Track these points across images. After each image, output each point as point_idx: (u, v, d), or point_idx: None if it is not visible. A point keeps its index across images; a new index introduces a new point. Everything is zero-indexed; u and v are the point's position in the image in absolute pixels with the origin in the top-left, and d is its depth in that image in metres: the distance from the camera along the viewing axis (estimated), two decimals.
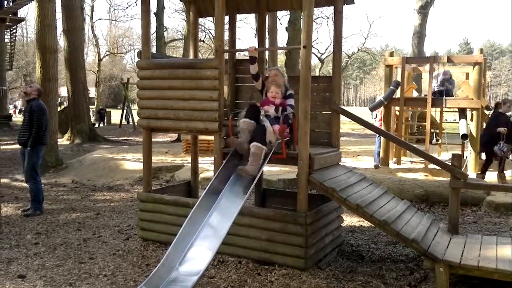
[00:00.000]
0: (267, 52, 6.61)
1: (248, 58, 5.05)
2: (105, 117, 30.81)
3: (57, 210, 7.09)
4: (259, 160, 4.37)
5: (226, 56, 5.63)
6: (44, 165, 9.68)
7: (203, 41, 35.70)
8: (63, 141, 17.23)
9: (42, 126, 6.75)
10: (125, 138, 21.03)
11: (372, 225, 5.76)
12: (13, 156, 13.03)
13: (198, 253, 3.78)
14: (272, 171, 8.84)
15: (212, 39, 32.02)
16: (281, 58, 29.51)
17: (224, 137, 4.90)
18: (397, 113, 11.10)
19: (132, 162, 11.06)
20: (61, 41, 18.75)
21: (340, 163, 5.33)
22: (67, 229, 6.00)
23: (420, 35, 22.29)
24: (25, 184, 7.88)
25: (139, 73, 5.37)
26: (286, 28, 19.75)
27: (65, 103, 25.13)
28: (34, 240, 5.49)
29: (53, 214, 6.83)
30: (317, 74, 37.54)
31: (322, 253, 4.75)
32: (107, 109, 35.73)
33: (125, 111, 28.01)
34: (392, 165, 10.49)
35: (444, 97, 10.10)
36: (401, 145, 6.78)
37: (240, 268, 4.53)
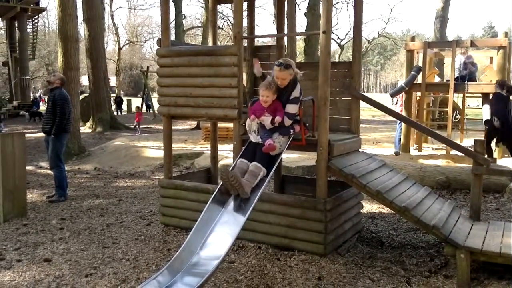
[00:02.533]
0: (285, 39, 6.52)
1: (266, 45, 5.04)
2: (122, 105, 31.21)
3: (81, 197, 7.26)
4: (254, 180, 4.06)
5: (245, 43, 5.62)
6: (67, 153, 9.88)
7: (222, 28, 35.63)
8: (85, 129, 17.52)
9: (65, 114, 6.87)
10: (145, 126, 21.25)
11: (392, 211, 5.74)
12: (37, 144, 13.33)
13: (219, 239, 3.82)
14: (291, 158, 8.84)
15: (231, 27, 31.92)
16: (300, 44, 29.24)
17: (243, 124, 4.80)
18: (418, 98, 10.93)
19: (153, 149, 11.20)
20: (82, 31, 18.95)
21: (360, 149, 5.29)
22: (91, 215, 6.14)
23: (442, 19, 21.76)
24: (49, 171, 8.08)
25: (159, 61, 5.41)
26: (305, 14, 19.54)
27: (86, 92, 25.47)
28: (59, 225, 5.64)
29: (77, 200, 6.99)
30: (336, 60, 37.10)
31: (341, 239, 4.76)
32: (127, 98, 36.14)
33: (144, 99, 28.25)
34: (413, 151, 10.37)
35: (467, 82, 9.89)
36: (422, 131, 6.68)
37: (259, 254, 4.57)
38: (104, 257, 4.54)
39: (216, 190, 4.15)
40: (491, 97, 9.12)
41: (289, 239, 4.63)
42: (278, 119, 4.21)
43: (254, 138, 4.37)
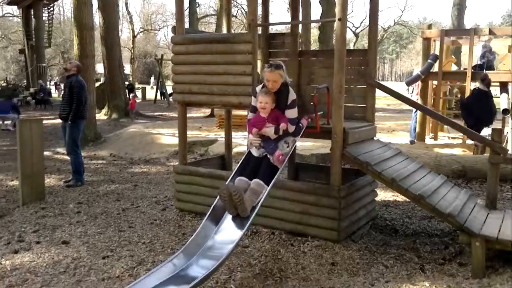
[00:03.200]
0: (300, 26, 6.48)
1: (281, 32, 5.00)
2: (133, 92, 31.30)
3: (97, 182, 7.38)
4: (256, 198, 3.77)
5: (260, 30, 5.60)
6: (83, 139, 10.01)
7: (236, 16, 35.45)
8: (101, 116, 17.69)
9: (82, 101, 6.96)
10: (159, 113, 21.39)
11: (407, 199, 5.72)
12: (54, 130, 13.53)
13: (233, 224, 3.86)
14: (305, 146, 8.83)
15: (245, 15, 31.74)
16: (314, 32, 28.99)
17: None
18: (435, 87, 10.80)
19: (167, 136, 11.28)
20: (97, 19, 18.99)
21: (375, 137, 5.27)
22: (107, 200, 6.24)
23: (460, 6, 21.38)
24: (66, 157, 8.21)
25: (174, 48, 5.43)
26: (320, 2, 19.34)
27: (101, 79, 25.66)
28: (76, 209, 5.75)
29: (93, 185, 7.11)
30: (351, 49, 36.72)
31: (355, 226, 4.77)
32: (142, 86, 36.31)
33: (159, 87, 28.39)
34: (428, 140, 10.29)
35: (484, 71, 9.73)
36: (439, 119, 6.63)
37: (273, 239, 4.61)
38: (121, 240, 4.63)
39: (230, 177, 4.14)
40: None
41: (303, 225, 4.65)
42: (283, 125, 4.00)
43: (256, 152, 4.08)
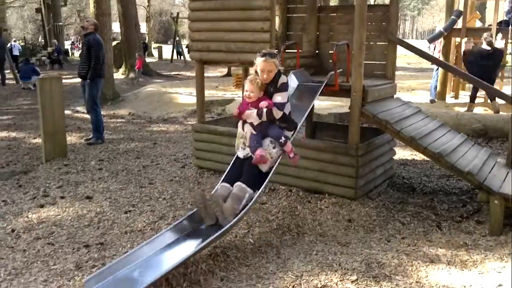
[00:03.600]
0: None
1: None
2: (147, 51, 31.13)
3: (117, 140, 7.50)
4: (239, 205, 3.35)
5: None
6: (102, 98, 10.07)
7: None
8: (118, 75, 17.72)
9: (100, 59, 6.97)
10: (176, 72, 21.34)
11: (425, 158, 5.71)
12: (72, 89, 13.65)
13: None
14: (323, 105, 8.76)
15: None
16: None
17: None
18: (457, 44, 10.48)
19: (185, 96, 11.31)
20: None
21: (394, 95, 5.20)
22: (127, 157, 6.36)
23: None
24: (86, 115, 8.33)
25: (190, 5, 5.34)
26: None
27: (117, 39, 25.53)
28: (97, 166, 5.89)
29: (114, 143, 7.23)
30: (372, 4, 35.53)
31: (372, 184, 4.79)
32: (158, 45, 36.04)
33: (175, 46, 28.16)
34: (449, 99, 10.09)
35: (510, 27, 9.37)
36: (461, 76, 6.47)
37: (290, 196, 4.68)
38: (142, 196, 4.75)
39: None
40: None
41: (320, 183, 4.69)
42: (263, 103, 3.53)
43: (241, 153, 3.67)
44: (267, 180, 3.55)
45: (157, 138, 7.67)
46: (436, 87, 10.07)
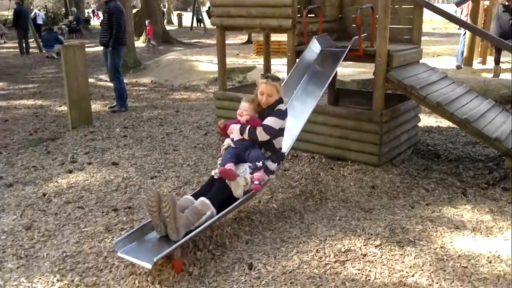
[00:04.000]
0: None
1: None
2: (164, 18, 30.87)
3: (140, 107, 7.57)
4: (196, 220, 2.92)
5: None
6: (124, 66, 10.14)
7: None
8: (139, 43, 17.74)
9: (121, 27, 6.97)
10: (196, 40, 21.21)
11: (450, 125, 5.62)
12: (94, 58, 13.74)
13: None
14: (345, 72, 8.63)
15: None
16: None
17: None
18: (486, 7, 10.08)
19: (205, 63, 11.27)
20: None
21: (420, 61, 5.08)
22: (151, 124, 6.44)
23: None
24: (109, 83, 8.40)
25: None
26: None
27: (137, 6, 25.39)
28: (122, 133, 5.98)
29: (137, 111, 7.31)
30: None
31: (396, 151, 4.76)
32: (178, 12, 35.70)
33: (195, 13, 27.88)
34: (476, 65, 9.80)
35: None
36: (490, 40, 6.25)
37: (313, 163, 4.69)
38: (166, 162, 4.83)
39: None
40: None
41: (343, 150, 4.68)
42: (246, 118, 3.28)
43: (215, 171, 3.28)
44: (236, 203, 3.14)
45: (180, 106, 7.72)
46: (463, 53, 9.78)
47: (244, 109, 3.35)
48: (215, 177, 3.21)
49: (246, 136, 3.31)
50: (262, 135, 3.27)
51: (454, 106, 4.17)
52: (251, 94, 3.53)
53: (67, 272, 2.85)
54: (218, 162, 3.35)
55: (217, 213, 3.01)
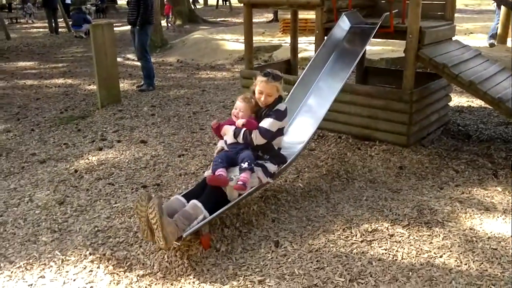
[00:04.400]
0: None
1: None
2: None
3: (167, 87, 7.63)
4: (185, 225, 2.69)
5: None
6: (151, 45, 10.19)
7: None
8: (165, 22, 17.77)
9: (148, 6, 6.99)
10: (222, 19, 21.09)
11: (482, 105, 5.48)
12: (121, 37, 13.85)
13: (299, 128, 3.91)
14: (374, 50, 8.46)
15: None
16: None
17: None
18: None
19: (231, 42, 11.22)
20: None
21: (453, 38, 4.92)
22: (178, 103, 6.49)
23: None
24: (136, 63, 8.49)
25: None
26: None
27: None
28: (150, 112, 6.06)
29: (164, 90, 7.37)
30: None
31: (425, 131, 4.67)
32: None
33: None
34: (510, 43, 9.45)
35: None
36: None
37: (340, 143, 4.65)
38: (194, 141, 4.88)
39: (297, 82, 4.02)
40: None
41: (370, 130, 4.62)
42: (241, 121, 3.03)
43: (208, 172, 3.14)
44: (228, 205, 2.92)
45: (206, 85, 7.74)
46: (496, 30, 9.43)
47: (240, 110, 3.11)
48: (205, 175, 3.06)
49: (240, 140, 3.08)
50: (258, 139, 3.05)
51: (487, 85, 4.04)
52: (248, 94, 3.25)
53: (99, 246, 2.94)
54: (205, 174, 3.14)
55: (210, 214, 2.80)
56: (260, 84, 3.09)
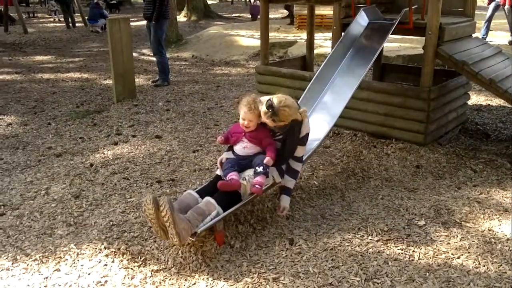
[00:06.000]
0: None
1: None
2: None
3: (182, 82, 7.64)
4: (200, 221, 2.68)
5: None
6: (166, 40, 10.23)
7: None
8: (180, 18, 17.79)
9: (164, 1, 6.98)
10: (237, 14, 21.05)
11: (502, 104, 5.38)
12: (136, 32, 13.89)
13: (315, 125, 3.86)
14: (390, 47, 8.35)
15: None
16: None
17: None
18: None
19: (246, 38, 11.18)
20: None
21: (473, 35, 4.83)
22: (192, 99, 6.49)
23: None
24: (151, 58, 8.50)
25: None
26: None
27: None
28: (165, 107, 6.07)
29: (179, 85, 7.38)
30: None
31: (443, 130, 4.60)
32: None
33: None
34: None
35: None
36: None
37: (355, 140, 4.60)
38: (208, 137, 4.87)
39: (313, 78, 4.01)
40: None
41: (387, 128, 4.56)
42: (268, 160, 2.93)
43: (220, 171, 3.12)
44: (242, 202, 2.91)
45: (220, 81, 7.73)
46: None
47: (249, 120, 2.96)
48: (218, 172, 3.07)
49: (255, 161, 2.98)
50: (298, 167, 3.13)
51: (508, 83, 3.96)
52: (250, 94, 3.10)
53: (114, 240, 2.95)
54: (217, 172, 3.12)
55: (223, 211, 2.80)
56: (262, 115, 2.93)
